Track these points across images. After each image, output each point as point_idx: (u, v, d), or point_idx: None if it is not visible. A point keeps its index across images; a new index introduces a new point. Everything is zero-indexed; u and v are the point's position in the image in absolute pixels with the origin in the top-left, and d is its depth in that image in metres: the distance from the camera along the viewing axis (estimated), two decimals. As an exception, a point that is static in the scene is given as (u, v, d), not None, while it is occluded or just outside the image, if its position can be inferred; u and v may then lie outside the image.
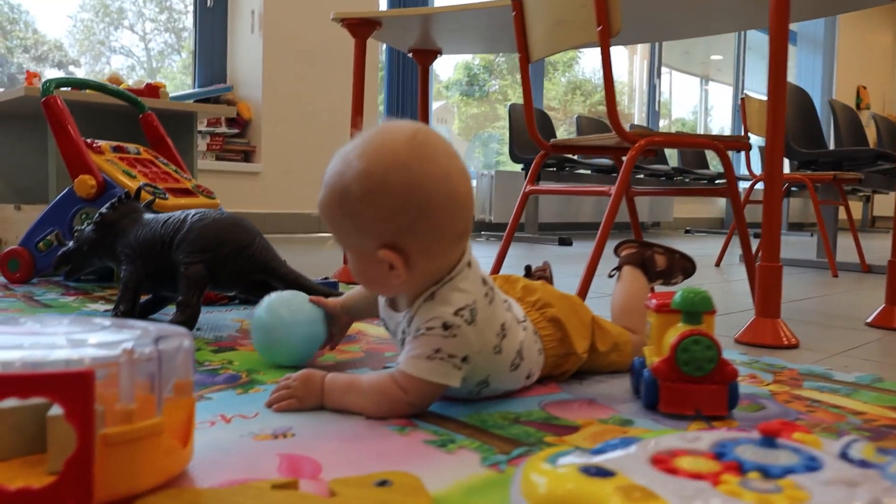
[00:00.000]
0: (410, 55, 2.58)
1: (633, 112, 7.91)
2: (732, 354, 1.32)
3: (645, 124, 7.41)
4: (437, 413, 0.91)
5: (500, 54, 6.98)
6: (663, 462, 0.59)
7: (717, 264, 3.28)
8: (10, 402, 0.62)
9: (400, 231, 0.84)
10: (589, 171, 5.05)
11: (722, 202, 7.67)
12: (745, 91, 8.16)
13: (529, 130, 1.74)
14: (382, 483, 0.65)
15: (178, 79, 4.63)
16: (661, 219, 6.60)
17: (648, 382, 0.95)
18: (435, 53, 2.55)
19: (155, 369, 0.61)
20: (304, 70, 4.24)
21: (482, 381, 0.94)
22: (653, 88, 7.43)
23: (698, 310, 0.95)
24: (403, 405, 0.87)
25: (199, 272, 1.34)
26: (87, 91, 2.44)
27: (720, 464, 0.58)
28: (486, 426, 0.87)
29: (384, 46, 4.85)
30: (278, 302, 1.14)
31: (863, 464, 0.59)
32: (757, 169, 3.85)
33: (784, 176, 3.25)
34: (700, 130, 8.69)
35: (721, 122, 9.05)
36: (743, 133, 3.38)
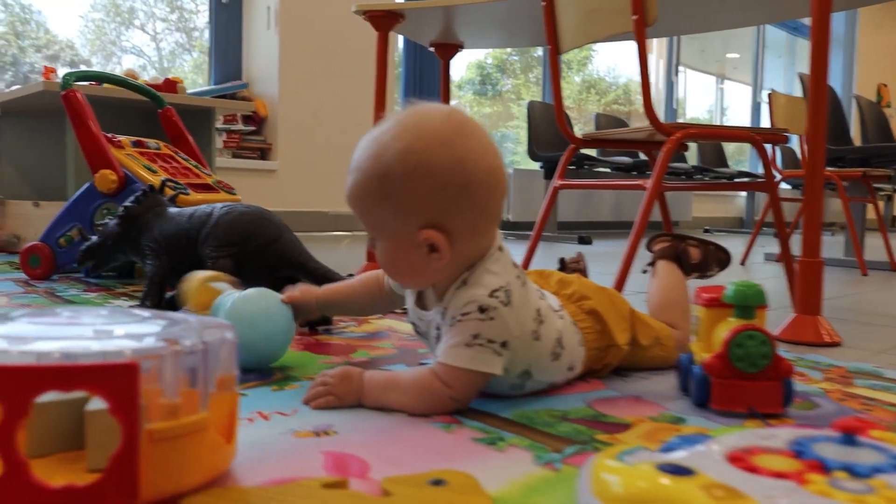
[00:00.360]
0: (432, 49, 2.54)
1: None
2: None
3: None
4: (481, 410, 0.87)
5: (514, 53, 6.94)
6: (741, 460, 0.55)
7: (743, 262, 3.23)
8: (47, 397, 0.59)
9: (444, 209, 0.83)
10: (608, 169, 5.01)
11: (741, 201, 7.59)
12: (762, 89, 8.11)
13: (559, 124, 1.70)
14: (437, 482, 0.61)
15: (189, 78, 4.62)
16: (680, 218, 6.53)
17: (699, 379, 0.91)
18: (456, 47, 2.52)
19: (199, 362, 0.57)
20: (320, 66, 4.22)
21: (524, 372, 0.91)
22: (670, 86, 7.37)
23: (751, 304, 0.92)
24: (446, 400, 0.84)
25: (226, 266, 1.31)
26: (106, 85, 2.42)
27: (801, 462, 0.55)
28: (534, 423, 0.83)
29: (400, 43, 4.82)
30: (241, 300, 1.03)
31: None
32: (781, 166, 3.79)
33: (795, 173, 3.21)
34: (716, 129, 8.60)
35: (738, 122, 8.98)
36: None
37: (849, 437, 0.58)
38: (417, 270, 0.86)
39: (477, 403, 0.89)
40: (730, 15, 1.88)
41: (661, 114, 7.38)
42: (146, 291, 1.36)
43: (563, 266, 1.32)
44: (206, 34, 4.41)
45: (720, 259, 1.31)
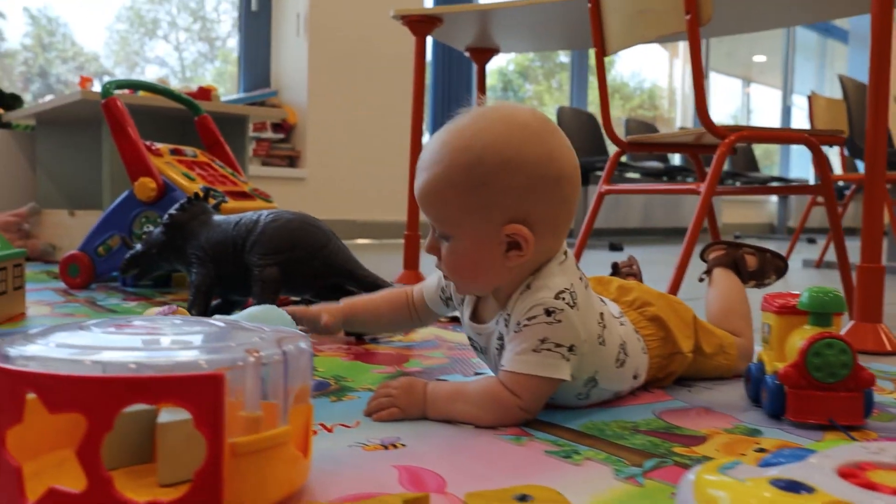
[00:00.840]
0: (467, 54, 2.52)
1: (675, 116, 7.79)
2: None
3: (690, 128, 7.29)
4: (549, 422, 0.84)
5: (536, 59, 6.91)
6: (854, 476, 0.52)
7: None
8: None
9: (533, 204, 0.81)
10: (638, 175, 4.96)
11: (772, 207, 7.50)
12: (792, 93, 8.02)
13: (606, 128, 1.68)
14: (523, 498, 0.59)
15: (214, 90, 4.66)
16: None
17: (774, 389, 0.88)
18: (492, 52, 2.50)
19: (279, 373, 0.55)
20: (349, 73, 4.21)
21: (590, 379, 0.88)
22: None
23: (829, 310, 0.88)
24: (515, 410, 0.81)
25: (273, 275, 1.29)
26: (141, 93, 2.42)
27: (924, 480, 0.51)
28: (605, 435, 0.80)
29: (430, 48, 4.81)
30: (247, 316, 1.03)
31: None
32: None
33: (851, 176, 3.15)
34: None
35: (764, 126, 8.88)
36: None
37: (966, 453, 0.54)
38: (490, 271, 0.84)
39: (543, 415, 0.87)
40: (784, 13, 1.84)
41: (688, 119, 7.33)
42: (192, 300, 1.35)
43: (617, 271, 1.29)
44: (229, 43, 4.43)
45: (777, 266, 1.27)
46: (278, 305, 1.64)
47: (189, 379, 0.49)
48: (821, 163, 1.47)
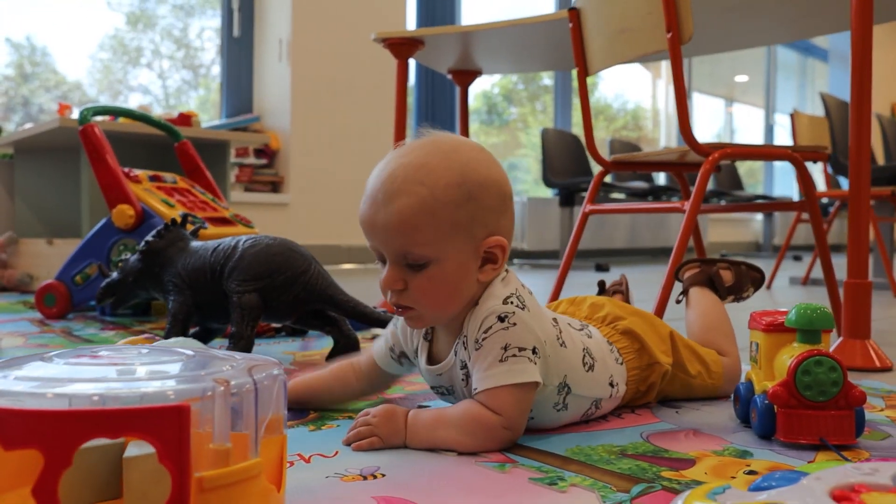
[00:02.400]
0: (449, 76, 2.52)
1: (659, 137, 7.83)
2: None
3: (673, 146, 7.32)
4: (533, 448, 0.82)
5: (520, 81, 6.95)
6: (847, 499, 0.50)
7: (768, 287, 3.17)
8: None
9: (502, 219, 0.84)
10: (623, 195, 4.96)
11: (757, 225, 7.52)
12: (775, 111, 8.09)
13: (589, 148, 1.66)
14: (506, 530, 0.56)
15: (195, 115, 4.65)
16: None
17: (763, 409, 0.86)
18: (474, 74, 2.49)
19: (251, 403, 0.53)
20: (332, 98, 4.20)
21: (562, 385, 0.86)
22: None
23: (817, 328, 0.86)
24: (499, 430, 0.79)
25: (252, 301, 1.27)
26: (121, 120, 2.40)
27: (919, 502, 0.49)
28: (592, 461, 0.78)
29: (412, 73, 4.82)
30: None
31: None
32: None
33: (835, 193, 3.16)
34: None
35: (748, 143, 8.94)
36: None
37: (962, 473, 0.52)
38: (466, 291, 0.83)
39: (528, 440, 0.84)
40: (764, 32, 1.85)
41: (672, 138, 7.37)
42: (169, 328, 1.32)
43: (603, 289, 1.27)
44: (213, 70, 4.42)
45: (754, 278, 1.25)
46: (258, 332, 1.62)
47: (151, 411, 0.46)
48: (805, 179, 1.46)
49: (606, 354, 0.94)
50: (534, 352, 0.81)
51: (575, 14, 1.64)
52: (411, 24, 4.65)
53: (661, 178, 5.79)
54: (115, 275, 1.45)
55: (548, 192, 5.34)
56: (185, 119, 2.82)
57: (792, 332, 0.88)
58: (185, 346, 0.93)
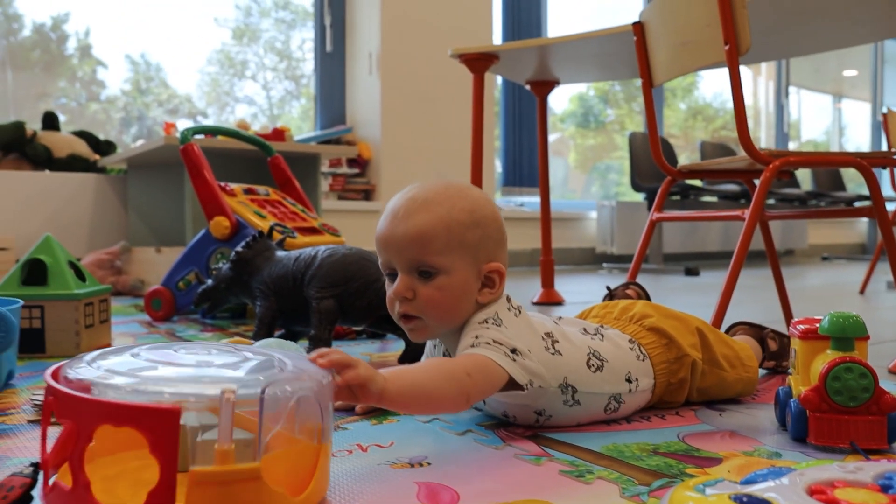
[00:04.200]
0: (528, 87, 2.58)
1: (760, 136, 7.62)
2: (884, 385, 1.23)
3: (773, 147, 7.12)
4: (571, 444, 0.89)
5: (616, 83, 6.90)
6: (821, 493, 0.55)
7: (862, 291, 3.09)
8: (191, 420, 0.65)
9: (501, 250, 0.95)
10: (715, 199, 4.88)
11: (863, 226, 7.23)
12: (882, 107, 7.74)
13: (655, 156, 1.70)
14: (522, 513, 0.63)
15: (296, 124, 4.83)
16: (796, 245, 6.29)
17: (796, 413, 0.90)
18: (552, 84, 2.55)
19: (259, 411, 0.60)
20: (421, 108, 4.33)
21: (566, 386, 0.93)
22: (780, 109, 7.14)
23: (849, 335, 0.89)
24: (462, 375, 0.83)
25: (329, 307, 1.37)
26: (220, 137, 2.57)
27: (887, 497, 0.54)
28: (624, 457, 0.84)
29: (499, 81, 4.89)
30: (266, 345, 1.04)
31: None
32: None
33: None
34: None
35: (857, 142, 8.57)
36: (888, 149, 3.18)
37: (941, 472, 0.56)
38: (466, 307, 0.92)
39: (568, 437, 0.91)
40: (828, 37, 1.83)
41: (771, 138, 7.16)
42: (256, 331, 1.44)
43: (612, 295, 1.36)
44: (313, 81, 4.61)
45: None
46: (341, 335, 1.73)
47: (146, 410, 0.56)
48: (872, 186, 1.46)
49: (624, 352, 1.00)
50: (513, 351, 0.88)
51: (639, 28, 1.68)
52: (497, 35, 4.73)
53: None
54: (209, 282, 1.59)
55: (637, 197, 5.31)
56: (279, 134, 2.99)
57: (827, 340, 0.92)
58: (281, 348, 1.04)
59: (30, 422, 1.00)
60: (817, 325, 0.94)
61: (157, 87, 4.51)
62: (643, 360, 1.01)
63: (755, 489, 0.55)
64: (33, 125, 3.26)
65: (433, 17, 4.35)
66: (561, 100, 6.60)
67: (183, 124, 4.50)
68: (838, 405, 0.86)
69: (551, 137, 6.46)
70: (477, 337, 0.88)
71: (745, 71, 7.14)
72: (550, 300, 2.61)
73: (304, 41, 4.77)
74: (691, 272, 4.20)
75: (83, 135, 3.43)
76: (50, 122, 3.35)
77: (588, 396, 0.95)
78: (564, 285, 3.45)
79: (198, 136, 2.34)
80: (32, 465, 0.68)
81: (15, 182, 3.09)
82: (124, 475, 0.68)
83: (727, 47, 1.40)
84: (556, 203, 5.60)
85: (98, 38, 4.15)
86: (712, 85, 7.77)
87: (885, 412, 0.86)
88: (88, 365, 0.65)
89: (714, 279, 3.88)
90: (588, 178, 6.84)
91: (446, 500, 0.70)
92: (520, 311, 0.95)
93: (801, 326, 0.95)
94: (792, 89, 7.43)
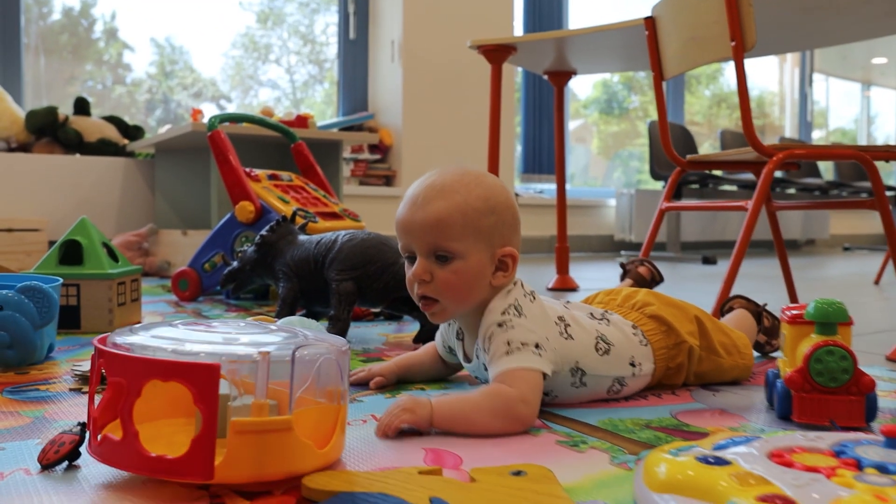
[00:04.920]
0: (545, 77, 2.63)
1: (785, 124, 7.59)
2: (880, 371, 1.28)
3: (797, 136, 7.10)
4: (570, 417, 0.96)
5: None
6: (780, 456, 0.61)
7: (877, 282, 3.12)
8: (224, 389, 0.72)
9: (515, 236, 1.00)
10: (734, 188, 4.90)
11: (882, 216, 7.20)
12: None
13: (664, 147, 1.75)
14: (517, 473, 0.70)
15: (320, 108, 4.89)
16: (817, 235, 6.29)
17: (782, 393, 0.96)
18: (569, 74, 2.60)
19: (289, 371, 0.68)
20: (442, 96, 4.39)
21: (575, 369, 0.99)
22: (804, 97, 7.11)
23: (832, 321, 0.95)
24: (516, 402, 0.88)
25: (348, 288, 1.45)
26: (244, 124, 2.65)
27: (838, 460, 0.60)
28: (617, 430, 0.91)
29: (520, 69, 4.94)
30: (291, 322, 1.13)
31: None
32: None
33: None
34: (862, 140, 8.18)
35: (887, 130, 8.50)
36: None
37: (892, 441, 0.63)
38: (480, 290, 0.97)
39: (568, 412, 0.98)
40: (833, 32, 1.87)
41: (794, 127, 7.14)
42: (279, 310, 1.52)
43: (625, 269, 1.43)
44: (336, 66, 4.67)
45: None
46: (360, 316, 1.81)
47: (191, 366, 0.64)
48: (874, 179, 1.50)
49: (628, 337, 1.05)
50: (537, 346, 0.93)
51: (651, 23, 1.73)
52: (518, 24, 4.76)
53: (828, 173, 5.64)
54: (235, 264, 1.67)
55: (657, 185, 5.34)
56: (302, 121, 3.06)
57: (812, 325, 0.97)
58: (303, 325, 1.12)
59: (71, 389, 1.08)
60: (803, 311, 0.99)
61: (182, 70, 4.57)
62: (645, 345, 1.07)
63: (718, 452, 0.61)
64: (62, 108, 3.36)
65: (455, 6, 4.40)
66: (585, 86, 6.60)
67: (208, 109, 4.58)
68: (820, 385, 0.92)
69: (574, 124, 6.49)
70: (509, 343, 0.92)
71: (771, 58, 7.06)
72: (565, 286, 2.68)
73: (327, 25, 4.81)
74: (708, 261, 4.24)
75: (113, 119, 3.53)
76: (81, 107, 3.45)
77: (594, 379, 1.01)
78: (580, 272, 3.51)
79: (225, 123, 2.42)
80: (80, 424, 0.76)
81: (47, 165, 3.20)
82: (160, 438, 0.76)
83: (733, 44, 1.45)
84: (575, 190, 5.65)
85: (124, 21, 4.24)
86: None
87: (863, 393, 0.92)
88: (133, 333, 0.73)
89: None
90: (611, 165, 6.85)
91: (450, 463, 0.77)
92: (534, 297, 1.01)
93: (790, 312, 1.01)
94: (820, 77, 7.39)
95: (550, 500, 0.65)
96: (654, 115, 6.45)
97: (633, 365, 1.05)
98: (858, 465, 0.58)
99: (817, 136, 7.75)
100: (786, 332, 1.02)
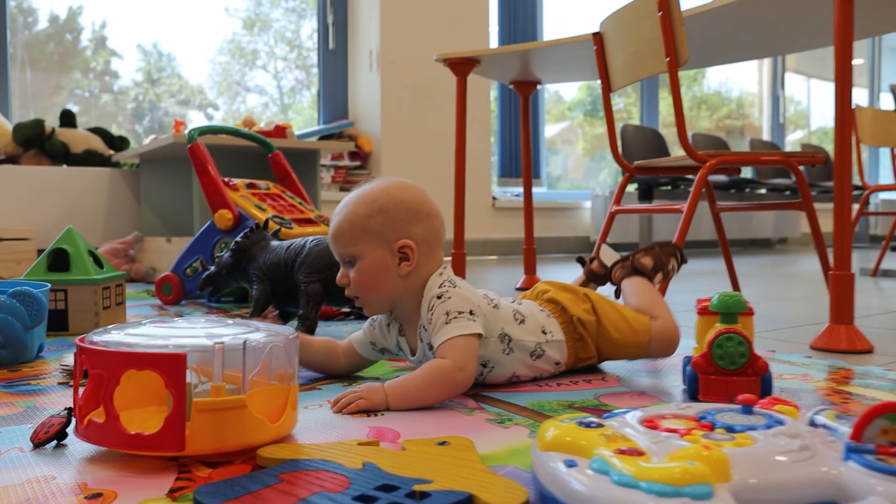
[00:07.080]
0: (511, 86, 2.76)
1: (763, 125, 7.74)
2: (797, 358, 1.41)
3: (770, 137, 7.25)
4: (504, 400, 1.08)
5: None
6: (650, 422, 0.73)
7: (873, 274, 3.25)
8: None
9: (413, 228, 1.11)
10: (765, 191, 5.05)
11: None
12: (880, 92, 7.86)
13: (613, 154, 1.88)
14: (442, 443, 0.83)
15: (307, 113, 4.98)
16: (789, 234, 6.44)
17: (689, 375, 1.08)
18: (534, 84, 2.73)
19: (241, 359, 0.80)
20: (418, 104, 4.52)
21: (503, 336, 1.14)
22: (776, 100, 7.27)
23: (733, 311, 1.08)
24: (453, 372, 1.02)
25: (316, 290, 1.57)
26: (223, 136, 2.76)
27: (697, 423, 0.72)
28: (543, 410, 1.03)
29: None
30: None
31: (824, 427, 0.72)
32: (873, 179, 3.74)
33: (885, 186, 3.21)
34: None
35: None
36: (855, 143, 3.35)
37: (747, 408, 0.75)
38: (390, 283, 1.11)
39: (502, 395, 1.10)
40: (749, 49, 1.99)
41: (768, 128, 7.29)
42: (252, 311, 1.64)
43: (582, 262, 1.53)
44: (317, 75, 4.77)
45: (670, 252, 1.45)
46: (331, 316, 1.93)
47: (160, 356, 0.76)
48: (801, 182, 1.64)
49: (536, 313, 1.21)
50: (471, 313, 1.07)
51: (598, 38, 1.86)
52: (493, 34, 4.89)
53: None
54: (212, 268, 1.78)
55: (631, 187, 5.47)
56: (281, 131, 3.18)
57: (716, 315, 1.10)
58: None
59: (59, 384, 1.20)
60: (709, 303, 1.12)
61: (169, 77, 4.64)
62: (549, 317, 1.23)
63: (605, 422, 0.73)
64: (47, 118, 3.47)
65: (431, 17, 4.53)
66: (570, 88, 6.71)
67: (193, 117, 4.67)
68: (721, 368, 1.05)
69: (560, 126, 6.62)
70: (447, 313, 1.06)
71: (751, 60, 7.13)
72: (532, 286, 2.81)
73: (313, 31, 4.88)
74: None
75: (98, 131, 3.64)
76: (67, 119, 3.55)
77: (519, 344, 1.16)
78: (550, 272, 3.64)
79: (203, 136, 2.53)
80: (67, 409, 0.88)
81: (35, 176, 3.31)
82: (134, 422, 0.87)
83: (668, 59, 1.58)
84: (553, 193, 5.78)
85: (112, 28, 4.30)
86: (718, 73, 7.88)
87: (759, 374, 1.05)
88: (107, 332, 0.84)
89: (700, 266, 4.05)
90: (595, 167, 6.96)
91: (389, 437, 0.89)
92: (463, 280, 1.15)
93: (701, 304, 1.14)
94: (801, 78, 7.54)
95: (465, 463, 0.77)
96: (637, 119, 6.61)
97: (544, 332, 1.19)
98: (712, 427, 0.71)
99: (800, 136, 7.91)
100: (697, 322, 1.15)
